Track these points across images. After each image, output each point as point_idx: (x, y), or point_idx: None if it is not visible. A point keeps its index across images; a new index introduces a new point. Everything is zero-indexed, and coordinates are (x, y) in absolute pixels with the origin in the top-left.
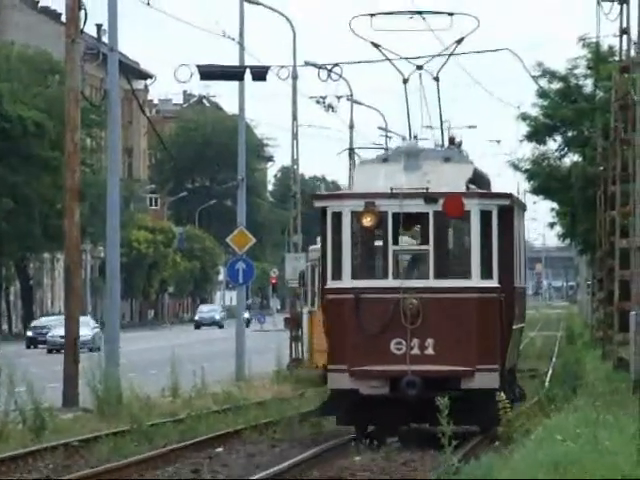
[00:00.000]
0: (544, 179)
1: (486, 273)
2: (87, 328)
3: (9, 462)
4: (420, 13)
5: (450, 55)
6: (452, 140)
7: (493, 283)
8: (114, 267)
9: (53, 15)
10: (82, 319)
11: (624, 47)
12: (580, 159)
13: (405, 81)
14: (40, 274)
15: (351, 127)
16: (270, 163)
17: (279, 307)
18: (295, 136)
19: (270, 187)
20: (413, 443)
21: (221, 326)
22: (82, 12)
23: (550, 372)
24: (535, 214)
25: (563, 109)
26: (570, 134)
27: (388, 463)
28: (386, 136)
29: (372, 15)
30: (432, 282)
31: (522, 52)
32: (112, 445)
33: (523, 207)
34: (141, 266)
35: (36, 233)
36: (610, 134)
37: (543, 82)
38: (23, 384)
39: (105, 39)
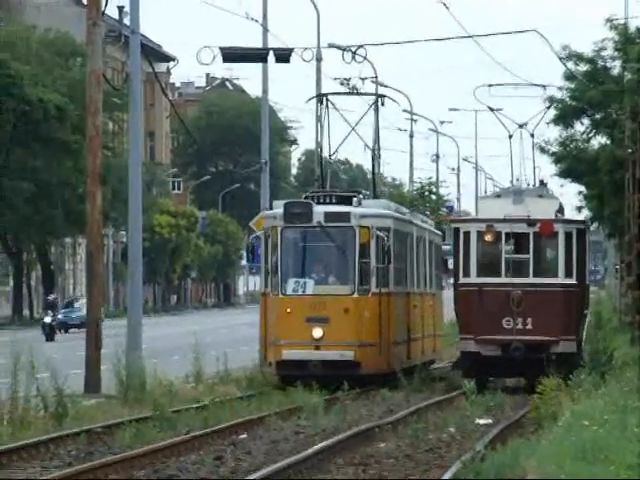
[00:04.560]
0: (571, 162)
1: (568, 274)
2: None
3: (31, 448)
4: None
5: (543, 117)
6: (542, 182)
7: (572, 280)
8: (136, 252)
9: None
10: None
11: None
12: (608, 142)
13: (510, 136)
14: (62, 259)
15: (376, 109)
16: (294, 146)
17: None
18: (319, 119)
19: (294, 170)
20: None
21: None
22: None
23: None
24: (562, 198)
25: (591, 91)
26: (598, 116)
27: (413, 449)
28: (411, 119)
29: (490, 85)
30: (531, 279)
31: (549, 34)
32: (134, 432)
33: (589, 226)
34: (164, 251)
35: (58, 218)
36: (638, 116)
37: (570, 64)
38: (45, 370)
39: (127, 21)
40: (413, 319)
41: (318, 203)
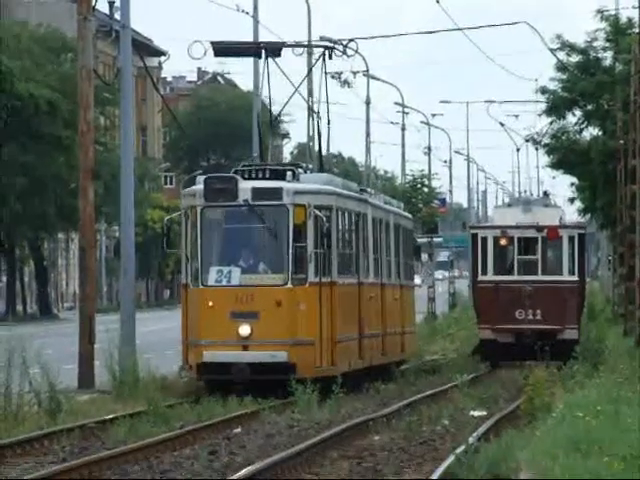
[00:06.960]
0: (563, 153)
1: (571, 272)
2: None
3: (25, 444)
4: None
5: (546, 132)
6: (545, 193)
7: (575, 277)
8: (129, 247)
9: None
10: None
11: None
12: (600, 133)
13: (518, 150)
14: (54, 254)
15: (367, 103)
16: (286, 140)
17: None
18: (310, 113)
19: None
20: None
21: None
22: None
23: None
24: (554, 189)
25: (582, 82)
26: (589, 107)
27: (407, 442)
28: (403, 111)
29: (501, 103)
30: (540, 277)
31: (539, 25)
32: (128, 427)
33: (586, 228)
34: (156, 245)
35: (50, 213)
36: (630, 107)
37: (562, 55)
38: (38, 366)
39: (117, 16)
40: (368, 313)
41: (248, 178)
